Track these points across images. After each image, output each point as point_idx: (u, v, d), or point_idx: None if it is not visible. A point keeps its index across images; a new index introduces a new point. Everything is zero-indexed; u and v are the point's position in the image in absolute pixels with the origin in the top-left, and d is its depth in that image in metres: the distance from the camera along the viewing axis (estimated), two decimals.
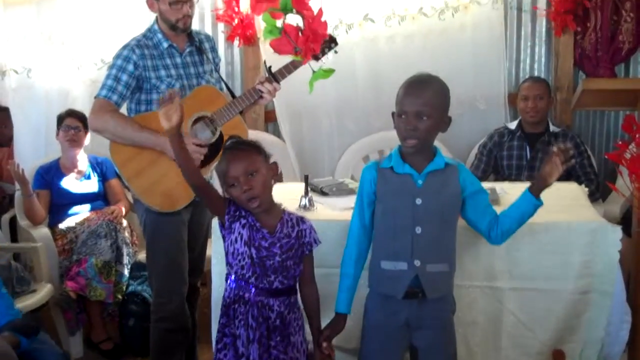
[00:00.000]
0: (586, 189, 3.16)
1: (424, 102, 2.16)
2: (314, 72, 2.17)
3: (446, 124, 2.24)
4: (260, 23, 4.35)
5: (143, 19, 4.33)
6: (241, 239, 2.24)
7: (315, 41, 2.09)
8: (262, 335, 2.25)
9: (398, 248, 2.24)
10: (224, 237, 2.31)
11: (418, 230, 2.22)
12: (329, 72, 2.18)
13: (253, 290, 2.25)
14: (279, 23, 2.07)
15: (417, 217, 2.22)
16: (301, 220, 2.33)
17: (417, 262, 2.22)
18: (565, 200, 2.89)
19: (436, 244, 2.24)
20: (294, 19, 2.07)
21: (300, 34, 2.06)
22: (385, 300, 2.29)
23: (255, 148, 2.26)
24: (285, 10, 2.04)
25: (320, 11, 2.07)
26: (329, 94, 4.31)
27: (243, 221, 2.25)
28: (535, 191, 2.24)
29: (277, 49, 2.10)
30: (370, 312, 2.35)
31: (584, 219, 2.60)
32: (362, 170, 2.37)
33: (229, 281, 2.31)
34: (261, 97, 3.00)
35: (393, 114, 2.25)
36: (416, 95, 2.18)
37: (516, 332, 2.57)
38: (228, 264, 2.30)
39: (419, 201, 2.22)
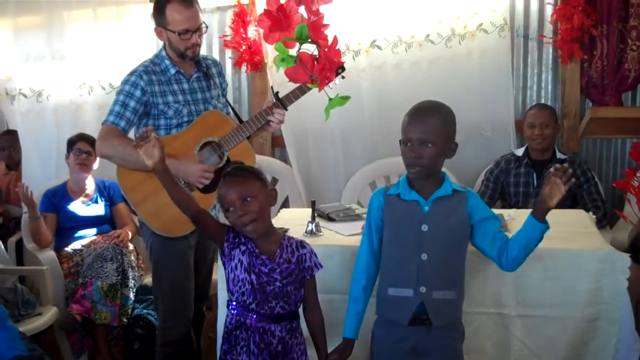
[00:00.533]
0: (594, 217, 3.15)
1: (428, 129, 2.17)
2: (330, 99, 2.18)
3: (452, 150, 2.24)
4: (267, 49, 4.39)
5: (151, 44, 4.41)
6: (241, 265, 2.23)
7: (331, 69, 2.10)
8: None
9: (404, 275, 2.23)
10: (224, 264, 2.30)
11: (424, 256, 2.21)
12: (345, 99, 2.18)
13: (254, 316, 2.24)
14: (293, 52, 2.07)
15: (423, 243, 2.21)
16: (301, 244, 2.32)
17: (422, 289, 2.21)
18: (572, 227, 2.89)
19: (443, 271, 2.23)
20: (309, 48, 2.08)
21: (315, 62, 2.07)
22: (392, 326, 2.28)
23: (253, 174, 2.27)
24: (301, 39, 2.05)
25: (335, 39, 2.07)
26: (336, 120, 4.32)
27: (243, 248, 2.25)
28: (538, 215, 2.18)
29: (293, 77, 2.10)
30: (377, 338, 2.33)
31: (592, 247, 2.59)
32: (371, 196, 2.37)
33: (230, 308, 2.30)
34: (269, 123, 3.00)
35: (400, 141, 2.26)
36: (420, 123, 2.19)
37: (524, 359, 2.55)
38: (229, 290, 2.29)
39: (424, 227, 2.21)
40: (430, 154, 2.17)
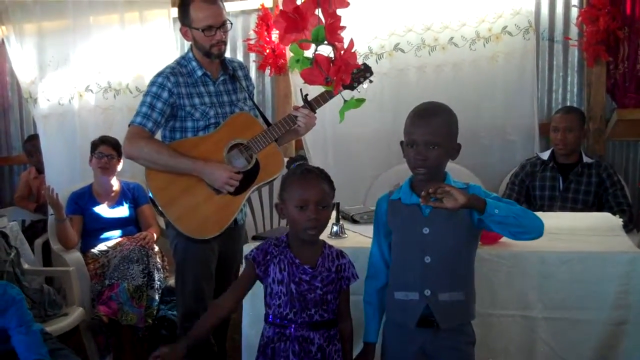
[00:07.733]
0: (620, 220, 3.12)
1: (432, 131, 2.15)
2: (345, 101, 2.19)
3: (456, 151, 2.22)
4: (289, 53, 4.40)
5: (173, 49, 4.45)
6: (277, 279, 2.22)
7: (346, 72, 2.09)
8: None
9: (409, 278, 2.22)
10: (260, 280, 2.27)
11: (427, 259, 2.18)
12: (360, 101, 2.18)
13: (293, 326, 2.22)
14: (309, 53, 2.08)
15: (426, 246, 2.19)
16: (341, 254, 2.32)
17: (427, 292, 2.18)
18: (599, 230, 2.87)
19: (448, 273, 2.19)
20: (325, 50, 2.09)
21: (331, 64, 2.08)
22: (400, 327, 2.26)
23: (331, 183, 2.29)
24: (317, 41, 2.06)
25: (352, 42, 2.08)
26: (359, 123, 4.32)
27: (276, 260, 2.24)
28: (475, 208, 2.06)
29: (308, 79, 2.11)
30: (387, 339, 2.32)
31: (619, 250, 2.57)
32: (376, 202, 2.37)
33: (267, 321, 2.28)
34: (298, 125, 3.00)
35: (402, 143, 2.26)
36: (425, 124, 2.18)
37: None
38: (267, 305, 2.28)
39: (426, 230, 2.19)
40: (436, 155, 2.16)
